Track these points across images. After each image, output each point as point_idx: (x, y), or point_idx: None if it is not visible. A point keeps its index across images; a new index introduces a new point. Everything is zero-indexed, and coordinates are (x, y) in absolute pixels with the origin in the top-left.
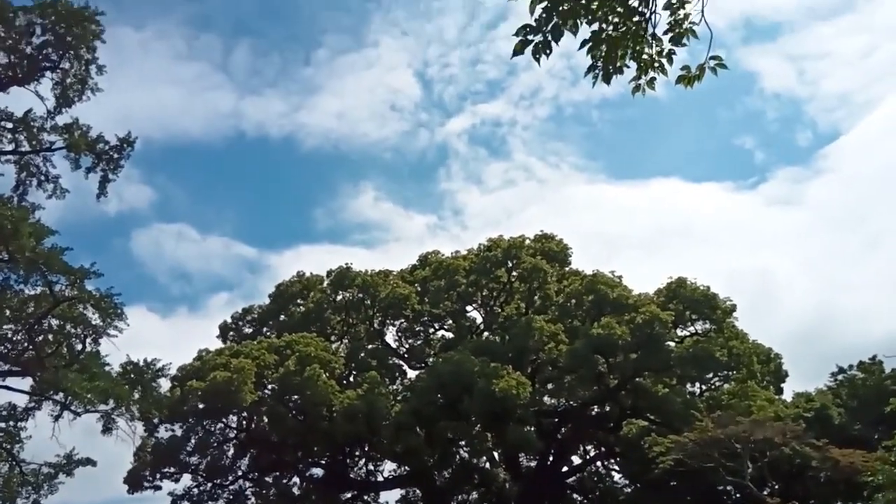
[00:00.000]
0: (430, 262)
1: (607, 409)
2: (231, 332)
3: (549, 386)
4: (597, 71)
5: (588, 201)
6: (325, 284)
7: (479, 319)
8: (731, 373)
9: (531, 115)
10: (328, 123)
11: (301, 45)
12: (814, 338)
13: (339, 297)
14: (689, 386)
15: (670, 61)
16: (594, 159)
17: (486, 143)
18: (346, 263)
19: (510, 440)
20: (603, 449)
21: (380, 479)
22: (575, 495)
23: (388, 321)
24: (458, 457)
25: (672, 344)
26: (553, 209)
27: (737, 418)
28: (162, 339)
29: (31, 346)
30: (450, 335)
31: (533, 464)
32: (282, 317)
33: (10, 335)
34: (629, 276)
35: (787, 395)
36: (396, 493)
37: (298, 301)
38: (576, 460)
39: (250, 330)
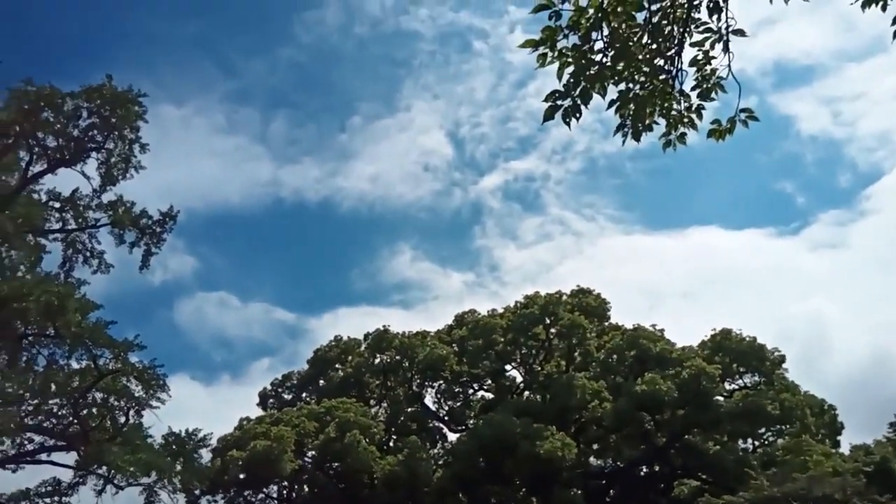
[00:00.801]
0: (467, 321)
1: (656, 468)
2: (271, 400)
3: (595, 446)
4: (626, 129)
5: (625, 253)
6: (363, 348)
7: (519, 378)
8: (784, 427)
9: (564, 169)
10: (363, 186)
11: (336, 114)
12: (869, 386)
13: (377, 361)
14: (740, 442)
15: (700, 116)
16: (630, 210)
17: (520, 198)
18: (384, 326)
19: (556, 503)
20: None
21: None
22: None
23: (426, 383)
24: None
25: (720, 399)
26: (590, 262)
27: (793, 475)
28: (205, 407)
29: (76, 421)
30: (490, 395)
31: None
32: (321, 382)
33: (55, 410)
34: (671, 328)
35: (845, 448)
36: None
37: (337, 365)
38: None
39: (290, 396)
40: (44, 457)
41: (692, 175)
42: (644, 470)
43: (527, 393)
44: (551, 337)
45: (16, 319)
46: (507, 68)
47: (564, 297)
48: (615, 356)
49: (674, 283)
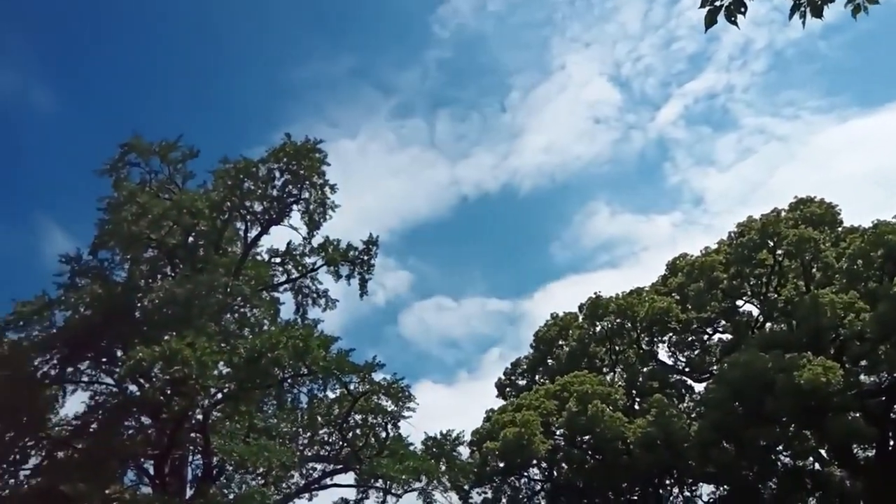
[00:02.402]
0: (681, 266)
1: None
2: (507, 388)
3: (863, 363)
4: (802, 7)
5: (844, 143)
6: (580, 320)
7: (755, 311)
8: None
9: (748, 74)
10: (539, 159)
11: (493, 96)
12: None
13: (597, 329)
14: None
15: None
16: (837, 94)
17: (707, 119)
18: (595, 293)
19: (834, 433)
20: None
21: (700, 503)
22: None
23: (655, 339)
24: (779, 464)
25: None
26: (805, 165)
27: None
28: (452, 405)
29: (345, 444)
30: (727, 337)
31: (871, 453)
32: (549, 361)
33: (326, 438)
34: None
35: None
36: None
37: (560, 342)
38: None
39: (524, 381)
40: (328, 481)
41: None
42: None
43: (768, 324)
44: (779, 259)
45: (273, 367)
46: None
47: (784, 213)
48: (860, 261)
49: None
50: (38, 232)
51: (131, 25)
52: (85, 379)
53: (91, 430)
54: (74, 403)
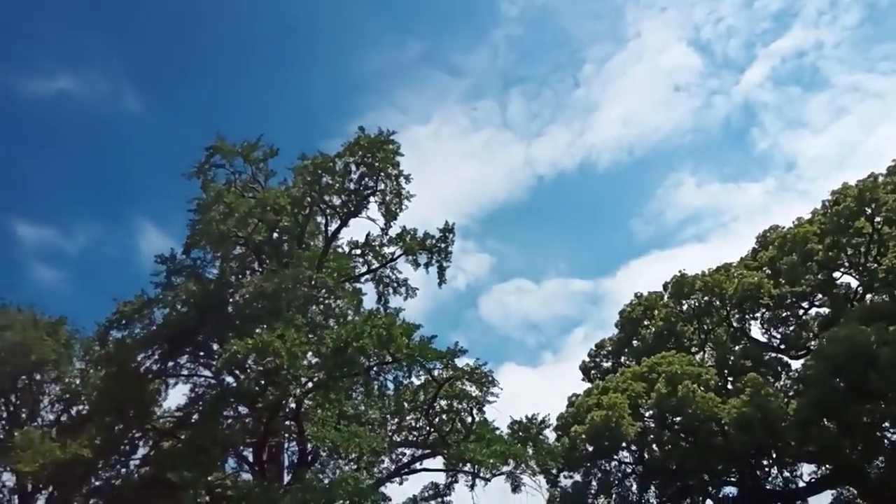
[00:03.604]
0: (772, 239)
1: None
2: (592, 371)
3: None
4: None
5: None
6: (665, 299)
7: (854, 283)
8: None
9: (839, 29)
10: (616, 133)
11: (566, 71)
12: None
13: (684, 307)
14: None
15: None
16: None
17: (796, 79)
18: (680, 270)
19: None
20: None
21: (801, 484)
22: None
23: (746, 316)
24: (885, 442)
25: None
26: None
27: None
28: (539, 387)
29: (432, 429)
30: (825, 310)
31: None
32: (634, 342)
33: (413, 424)
34: None
35: None
36: (827, 496)
37: (645, 322)
38: None
39: (609, 364)
40: (417, 466)
41: None
42: None
43: (869, 296)
44: (878, 227)
45: (358, 355)
46: None
47: (881, 178)
48: None
49: None
50: (134, 231)
51: (211, 25)
52: (185, 372)
53: (193, 420)
54: (176, 396)
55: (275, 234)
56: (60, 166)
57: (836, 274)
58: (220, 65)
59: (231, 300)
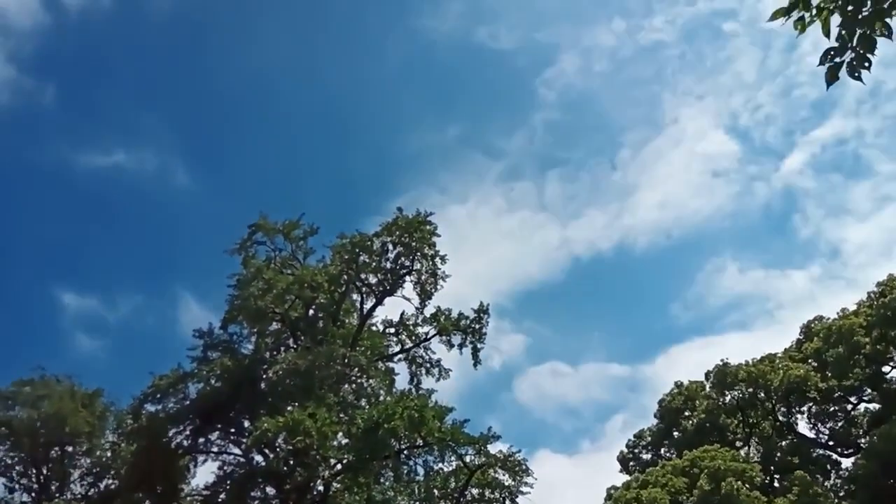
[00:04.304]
0: (817, 330)
1: None
2: (630, 462)
3: None
4: None
5: None
6: (707, 389)
7: None
8: None
9: (880, 117)
10: (654, 216)
11: (604, 155)
12: None
13: (727, 399)
14: None
15: None
16: None
17: (838, 167)
18: (723, 360)
19: None
20: None
21: None
22: None
23: (793, 410)
24: None
25: None
26: None
27: None
28: (574, 476)
29: None
30: (875, 406)
31: None
32: (674, 433)
33: None
34: None
35: None
36: None
37: (686, 413)
38: None
39: (648, 455)
40: None
41: None
42: None
43: None
44: None
45: (389, 437)
46: (771, 36)
47: None
48: None
49: None
50: (176, 304)
51: (258, 105)
52: (215, 449)
53: (220, 500)
54: (205, 473)
55: (311, 311)
56: (108, 239)
57: (886, 368)
58: (267, 143)
59: (264, 376)
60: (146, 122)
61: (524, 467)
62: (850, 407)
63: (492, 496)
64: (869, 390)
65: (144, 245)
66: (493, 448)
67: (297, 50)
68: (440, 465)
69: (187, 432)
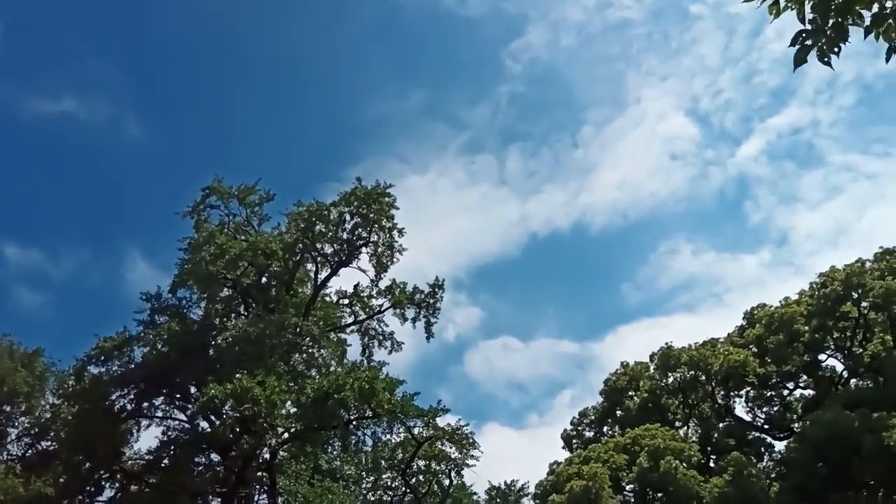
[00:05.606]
0: (759, 317)
1: None
2: (574, 440)
3: None
4: None
5: None
6: (651, 370)
7: (840, 366)
8: None
9: (835, 108)
10: (611, 196)
11: (566, 132)
12: None
13: (669, 380)
14: None
15: None
16: None
17: (791, 155)
18: (667, 343)
19: None
20: None
21: None
22: None
23: (731, 393)
24: None
25: None
26: None
27: None
28: (522, 450)
29: (408, 490)
30: (809, 393)
31: None
32: (617, 412)
33: (389, 482)
34: None
35: None
36: None
37: (630, 393)
38: None
39: (591, 433)
40: None
41: None
42: None
43: (853, 381)
44: (864, 312)
45: (339, 408)
46: (736, 21)
47: (868, 264)
48: None
49: None
50: (123, 261)
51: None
52: (159, 414)
53: (163, 465)
54: (148, 438)
55: (263, 279)
56: (54, 189)
57: (822, 356)
58: (223, 100)
59: (213, 343)
60: (99, 68)
61: (471, 440)
62: (786, 392)
63: (438, 468)
64: (805, 377)
65: (92, 198)
66: (442, 421)
67: (262, 4)
68: (388, 436)
69: (131, 396)
